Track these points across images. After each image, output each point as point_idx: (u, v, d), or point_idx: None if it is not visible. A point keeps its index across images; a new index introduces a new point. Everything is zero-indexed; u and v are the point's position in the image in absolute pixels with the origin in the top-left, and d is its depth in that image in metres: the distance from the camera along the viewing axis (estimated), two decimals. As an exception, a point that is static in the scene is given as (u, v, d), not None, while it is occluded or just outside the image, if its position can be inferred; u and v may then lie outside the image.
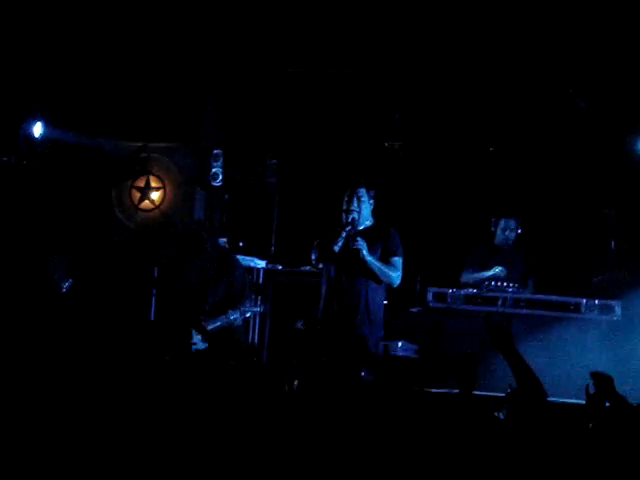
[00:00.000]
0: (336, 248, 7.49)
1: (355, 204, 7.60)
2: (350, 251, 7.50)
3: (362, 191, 7.65)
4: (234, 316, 7.95)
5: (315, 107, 10.08)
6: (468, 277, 9.06)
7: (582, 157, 9.75)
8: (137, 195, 10.60)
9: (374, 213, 7.81)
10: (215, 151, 10.16)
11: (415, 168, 10.21)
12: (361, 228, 7.68)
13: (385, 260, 7.61)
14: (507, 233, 9.19)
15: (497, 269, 8.92)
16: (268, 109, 10.19)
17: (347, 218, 7.58)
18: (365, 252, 7.45)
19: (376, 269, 7.54)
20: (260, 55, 9.75)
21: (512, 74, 9.54)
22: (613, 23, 8.77)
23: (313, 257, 7.70)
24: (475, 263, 9.12)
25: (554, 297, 8.91)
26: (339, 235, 7.51)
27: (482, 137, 10.10)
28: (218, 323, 7.95)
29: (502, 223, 9.20)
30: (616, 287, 8.92)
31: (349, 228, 7.55)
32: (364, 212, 7.66)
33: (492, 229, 9.25)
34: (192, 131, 10.36)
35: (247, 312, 8.14)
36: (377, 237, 7.66)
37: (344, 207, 7.62)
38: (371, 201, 7.74)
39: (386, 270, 7.58)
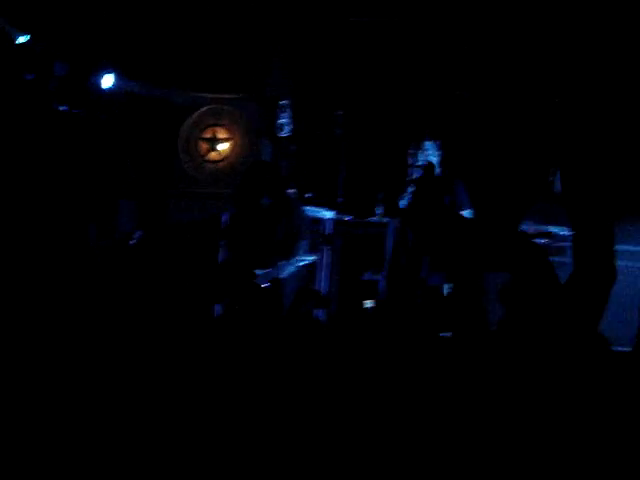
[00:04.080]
0: (402, 204, 7.48)
1: (421, 158, 7.54)
2: (415, 206, 7.46)
3: (428, 144, 7.59)
4: (285, 266, 7.96)
5: (382, 57, 9.99)
6: (529, 226, 9.01)
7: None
8: (205, 146, 10.66)
9: (441, 163, 7.73)
10: (282, 102, 10.16)
11: (483, 118, 10.09)
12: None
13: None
14: None
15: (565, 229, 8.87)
16: (336, 60, 10.14)
17: (413, 173, 7.54)
18: None
19: None
20: (327, 5, 9.69)
21: (581, 23, 9.36)
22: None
23: (378, 212, 7.70)
24: (537, 213, 9.07)
25: (627, 246, 8.82)
26: (405, 191, 7.48)
27: (549, 88, 9.94)
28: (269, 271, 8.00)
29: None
30: None
31: (416, 184, 7.52)
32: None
33: (550, 179, 9.19)
34: (259, 82, 10.37)
35: (300, 261, 8.15)
36: (443, 190, 7.60)
37: (410, 162, 7.57)
38: (438, 152, 7.67)
39: None
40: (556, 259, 8.81)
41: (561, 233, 8.90)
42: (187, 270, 9.05)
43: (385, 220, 7.78)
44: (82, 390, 4.38)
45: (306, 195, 9.76)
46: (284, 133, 10.19)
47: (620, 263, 8.66)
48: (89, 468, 3.75)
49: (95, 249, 9.05)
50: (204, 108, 10.65)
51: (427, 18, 9.64)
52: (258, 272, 8.06)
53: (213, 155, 10.65)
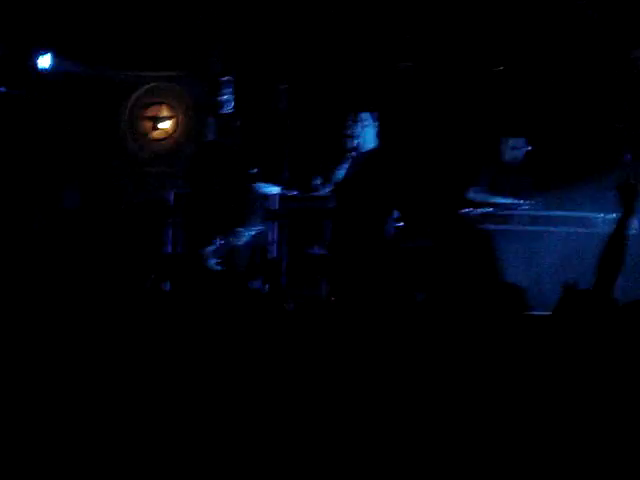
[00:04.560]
0: (340, 174, 7.49)
1: (358, 129, 7.55)
2: (354, 176, 7.49)
3: (364, 115, 7.60)
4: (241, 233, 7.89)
5: (323, 29, 9.94)
6: (476, 195, 9.07)
7: (592, 73, 9.62)
8: (147, 125, 10.56)
9: (378, 134, 7.74)
10: (225, 77, 10.09)
11: (426, 88, 10.09)
12: (364, 152, 7.64)
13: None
14: (515, 152, 9.18)
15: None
16: (277, 33, 10.07)
17: (351, 143, 7.54)
18: None
19: None
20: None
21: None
22: None
23: (317, 182, 7.71)
24: (484, 182, 9.13)
25: (571, 213, 8.89)
26: (342, 161, 7.50)
27: (492, 56, 9.97)
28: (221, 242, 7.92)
29: (510, 142, 9.19)
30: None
31: (352, 154, 7.53)
32: (367, 136, 7.61)
33: (501, 147, 9.25)
34: (201, 59, 10.29)
35: (251, 231, 8.08)
36: (380, 161, 7.63)
37: (347, 132, 7.57)
38: (375, 123, 7.68)
39: None
40: (501, 227, 8.88)
41: (506, 202, 8.97)
42: (133, 250, 8.99)
43: (326, 191, 7.78)
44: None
45: (252, 171, 9.69)
46: (227, 109, 10.12)
47: (570, 229, 8.77)
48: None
49: (38, 232, 8.96)
50: (146, 86, 10.55)
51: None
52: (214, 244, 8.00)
53: (156, 133, 10.56)
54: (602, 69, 9.55)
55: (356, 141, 7.53)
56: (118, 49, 10.13)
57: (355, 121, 7.56)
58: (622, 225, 4.22)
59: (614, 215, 8.45)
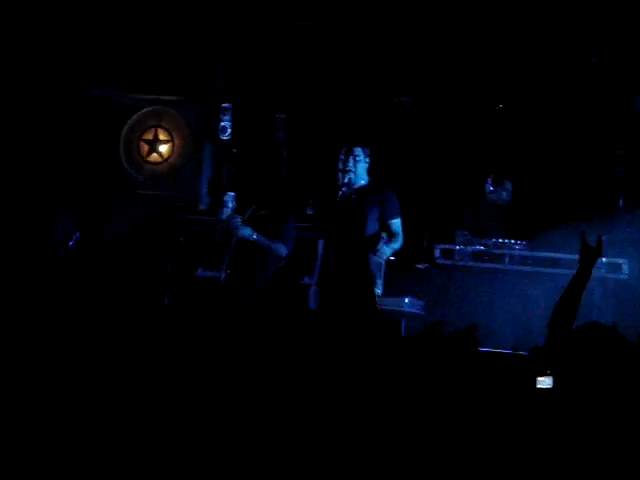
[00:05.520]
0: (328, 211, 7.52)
1: (351, 163, 7.57)
2: (346, 211, 7.51)
3: (358, 150, 7.62)
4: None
5: (324, 61, 9.98)
6: (463, 235, 9.09)
7: (590, 116, 9.66)
8: (145, 148, 10.59)
9: (369, 171, 7.78)
10: (224, 104, 10.14)
11: (422, 125, 10.12)
12: (356, 187, 7.67)
13: (384, 222, 7.63)
14: (503, 193, 9.22)
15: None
16: (277, 63, 10.12)
17: (343, 178, 7.56)
18: (385, 251, 7.50)
19: (388, 252, 7.63)
20: (269, 8, 9.68)
21: (524, 31, 9.43)
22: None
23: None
24: (468, 224, 9.15)
25: (561, 255, 8.89)
26: (335, 195, 7.52)
27: (490, 95, 10.01)
28: None
29: (499, 183, 9.22)
30: (624, 245, 8.88)
31: (345, 189, 7.55)
32: (360, 171, 7.63)
33: (488, 187, 9.28)
34: (201, 84, 10.34)
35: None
36: (373, 197, 7.65)
37: (340, 167, 7.60)
38: (367, 159, 7.70)
39: (392, 247, 7.63)
40: (493, 265, 8.89)
41: (496, 242, 8.97)
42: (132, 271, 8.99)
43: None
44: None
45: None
46: (226, 136, 10.17)
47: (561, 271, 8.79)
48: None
49: (32, 251, 8.95)
50: (146, 109, 10.58)
51: (369, 24, 9.65)
52: None
53: (154, 157, 10.59)
54: (601, 113, 9.59)
55: (348, 176, 7.55)
56: (120, 71, 10.16)
57: (348, 155, 7.58)
58: (577, 284, 4.09)
59: (604, 259, 8.64)
